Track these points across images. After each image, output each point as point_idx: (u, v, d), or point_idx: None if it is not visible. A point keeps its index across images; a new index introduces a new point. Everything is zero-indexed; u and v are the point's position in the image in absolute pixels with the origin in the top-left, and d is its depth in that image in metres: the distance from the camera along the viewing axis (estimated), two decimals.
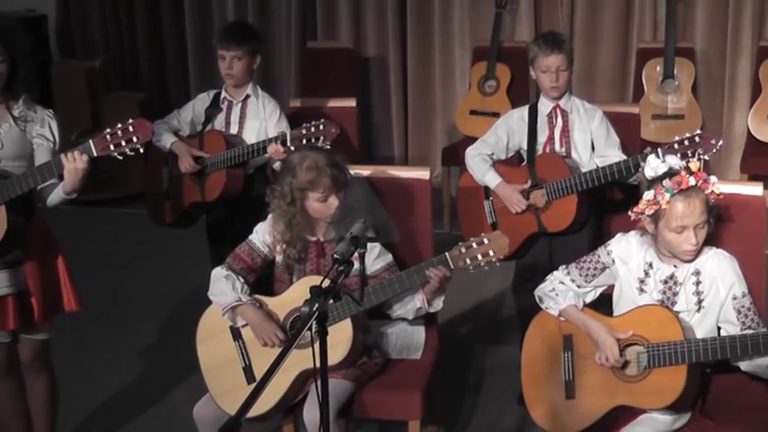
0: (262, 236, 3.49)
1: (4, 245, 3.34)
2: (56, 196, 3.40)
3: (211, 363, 3.41)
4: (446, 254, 3.23)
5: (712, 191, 2.99)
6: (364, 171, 3.69)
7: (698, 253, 3.06)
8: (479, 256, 3.18)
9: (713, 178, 3.00)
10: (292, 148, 4.13)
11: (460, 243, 3.22)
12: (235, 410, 3.14)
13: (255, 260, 3.48)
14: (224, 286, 3.36)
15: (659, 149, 3.69)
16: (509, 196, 4.03)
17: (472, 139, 4.38)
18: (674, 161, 3.03)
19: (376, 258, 3.43)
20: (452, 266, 3.23)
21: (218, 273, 3.41)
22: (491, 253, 3.17)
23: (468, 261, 3.19)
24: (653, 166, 3.02)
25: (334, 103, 4.93)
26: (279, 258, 3.48)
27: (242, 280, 3.40)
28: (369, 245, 3.38)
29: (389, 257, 3.47)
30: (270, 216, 3.48)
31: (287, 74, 7.66)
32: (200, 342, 3.45)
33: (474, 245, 3.19)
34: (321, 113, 4.54)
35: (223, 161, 4.31)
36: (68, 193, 3.35)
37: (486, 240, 3.18)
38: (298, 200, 3.36)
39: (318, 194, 3.34)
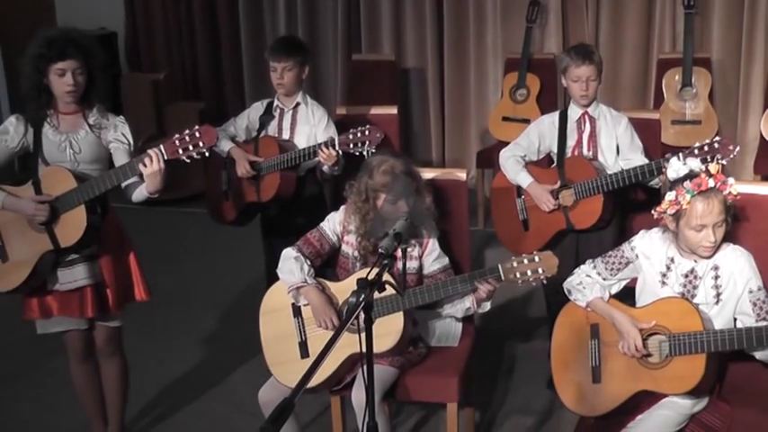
0: (332, 225, 3.51)
1: (83, 240, 3.40)
2: (140, 194, 3.43)
3: (271, 333, 3.43)
4: (498, 266, 3.22)
5: (730, 192, 2.96)
6: None
7: (716, 249, 3.03)
8: (529, 272, 3.17)
9: (731, 180, 2.97)
10: (341, 152, 4.15)
11: (513, 257, 3.20)
12: (287, 380, 3.26)
13: (324, 246, 3.49)
14: (293, 266, 3.37)
15: (680, 154, 3.66)
16: (539, 195, 4.01)
17: (504, 144, 4.36)
18: (694, 164, 3.01)
19: (434, 260, 3.45)
20: (503, 279, 3.22)
21: (289, 253, 3.42)
22: (540, 270, 3.16)
23: (518, 275, 3.19)
24: (675, 168, 3.00)
25: (376, 111, 4.92)
26: (345, 248, 3.50)
27: (309, 263, 3.40)
28: (430, 246, 3.42)
29: (446, 261, 3.47)
30: (343, 208, 3.50)
31: (334, 84, 7.67)
32: (264, 313, 3.47)
33: (525, 261, 3.17)
34: (365, 120, 4.54)
35: (277, 164, 4.33)
36: (151, 193, 3.38)
37: (537, 258, 3.16)
38: (371, 199, 3.38)
39: (390, 197, 3.34)
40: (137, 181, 3.39)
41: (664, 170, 3.59)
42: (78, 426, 3.99)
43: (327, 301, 3.35)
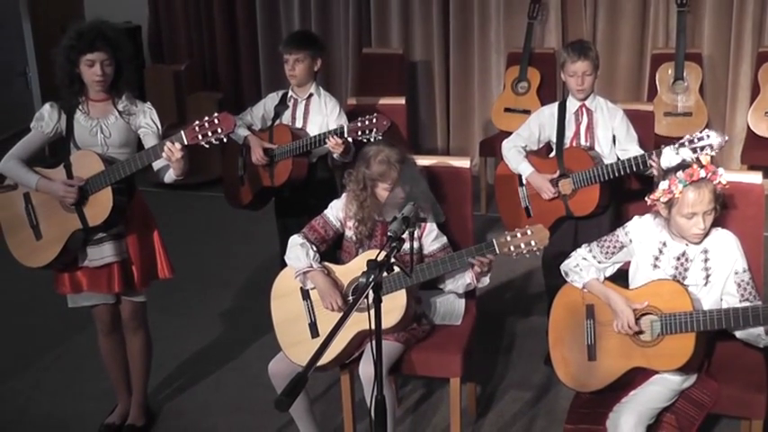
0: (335, 212, 3.50)
1: (110, 220, 3.41)
2: (170, 177, 3.46)
3: (282, 317, 3.43)
4: (493, 240, 3.21)
5: (720, 181, 2.95)
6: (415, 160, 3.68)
7: (706, 235, 3.02)
8: (523, 245, 3.15)
9: (721, 170, 2.96)
10: (349, 140, 4.14)
11: (506, 232, 3.19)
12: (300, 359, 3.26)
13: (328, 232, 3.48)
14: (299, 252, 3.37)
15: (671, 146, 3.65)
16: (540, 184, 4.00)
17: (506, 134, 4.34)
18: (686, 154, 2.99)
19: (433, 240, 3.43)
20: (498, 252, 3.20)
21: (295, 240, 3.42)
22: (533, 243, 3.14)
23: (512, 248, 3.17)
24: (667, 157, 2.99)
25: (385, 101, 4.91)
26: (348, 233, 3.49)
27: (314, 248, 3.40)
28: (427, 227, 3.41)
29: (444, 240, 3.46)
30: (344, 195, 3.49)
31: (345, 76, 7.65)
32: (274, 298, 3.47)
33: (519, 235, 3.16)
34: (375, 110, 4.52)
35: (289, 151, 4.33)
36: (178, 176, 3.41)
37: (529, 232, 3.15)
38: (369, 186, 3.37)
39: (386, 185, 3.33)
40: (167, 164, 3.40)
41: (654, 162, 3.60)
42: (105, 394, 4.02)
43: (333, 284, 3.35)
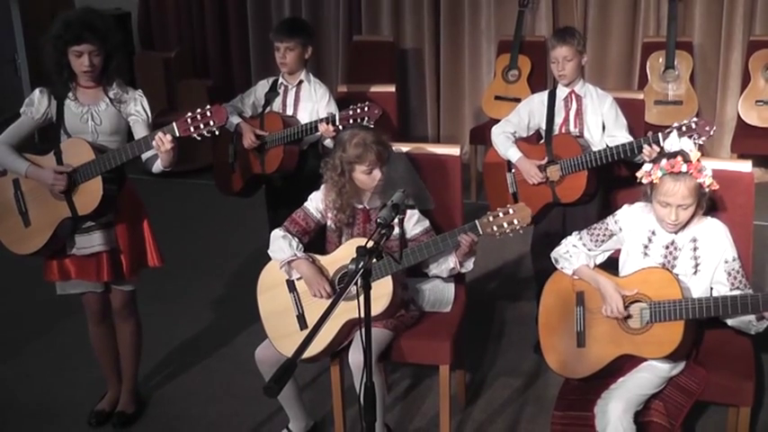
0: (315, 203, 3.49)
1: (100, 209, 3.40)
2: (157, 168, 3.44)
3: (269, 310, 3.42)
4: (476, 221, 3.21)
5: (704, 181, 2.94)
6: (404, 147, 3.68)
7: (696, 223, 3.03)
8: (505, 224, 3.16)
9: (708, 171, 2.93)
10: (341, 127, 4.13)
11: (488, 212, 3.19)
12: (289, 352, 3.16)
13: (309, 224, 3.47)
14: (282, 244, 3.36)
15: (660, 134, 3.66)
16: (527, 169, 4.00)
17: (496, 122, 4.34)
18: (687, 144, 2.98)
19: (415, 224, 3.42)
20: (481, 233, 3.21)
21: (277, 233, 3.41)
22: (515, 222, 3.14)
23: (495, 228, 3.17)
24: (671, 142, 3.01)
25: (376, 89, 4.90)
26: (330, 223, 3.48)
27: (297, 239, 3.39)
28: (408, 212, 3.38)
29: (427, 223, 3.45)
30: (323, 186, 3.47)
31: (336, 63, 7.64)
32: (261, 293, 3.45)
33: (501, 214, 3.16)
34: (365, 98, 4.52)
35: (280, 138, 4.32)
36: (165, 167, 3.39)
37: (511, 210, 3.15)
38: (346, 172, 3.35)
39: (364, 167, 3.32)
40: (156, 154, 3.38)
41: (650, 151, 3.61)
42: (95, 381, 4.01)
43: (318, 271, 3.34)
